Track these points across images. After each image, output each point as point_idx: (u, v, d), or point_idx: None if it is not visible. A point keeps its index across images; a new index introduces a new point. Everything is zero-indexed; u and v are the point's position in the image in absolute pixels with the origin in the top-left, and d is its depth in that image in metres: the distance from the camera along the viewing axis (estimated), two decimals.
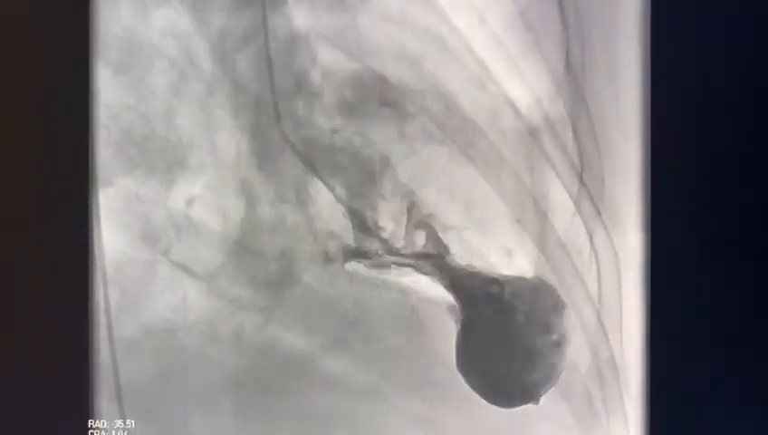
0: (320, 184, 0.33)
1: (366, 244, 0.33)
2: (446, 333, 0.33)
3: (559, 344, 0.33)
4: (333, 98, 0.33)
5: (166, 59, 0.33)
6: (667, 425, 0.33)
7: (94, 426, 0.32)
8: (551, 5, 0.33)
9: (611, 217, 0.34)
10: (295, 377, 0.33)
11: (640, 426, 0.33)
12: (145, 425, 0.32)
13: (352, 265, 0.33)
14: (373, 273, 0.33)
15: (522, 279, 0.33)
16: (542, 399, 0.33)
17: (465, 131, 0.33)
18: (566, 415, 0.34)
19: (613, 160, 0.33)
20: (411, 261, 0.33)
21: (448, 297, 0.33)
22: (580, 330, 0.34)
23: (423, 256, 0.33)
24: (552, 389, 0.33)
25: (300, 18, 0.33)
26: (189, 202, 0.33)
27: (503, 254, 0.33)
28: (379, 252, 0.33)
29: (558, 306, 0.33)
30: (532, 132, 0.33)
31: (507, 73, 0.33)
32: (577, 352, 0.34)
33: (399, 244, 0.33)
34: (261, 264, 0.33)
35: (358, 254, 0.33)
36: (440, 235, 0.33)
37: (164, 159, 0.33)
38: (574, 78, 0.33)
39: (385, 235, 0.33)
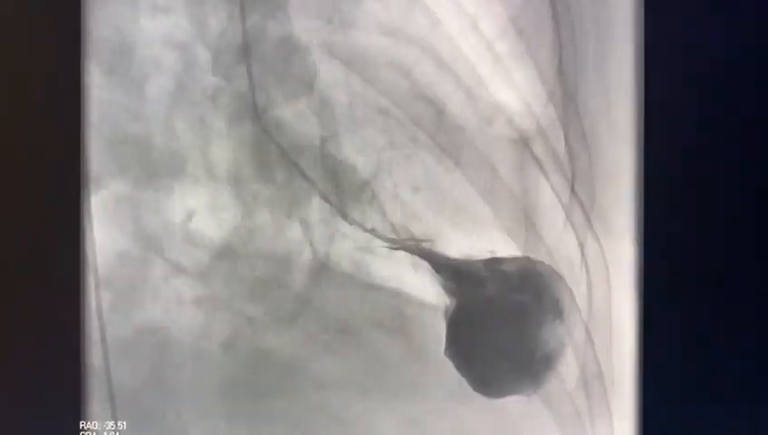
0: (311, 189, 0.33)
1: (357, 233, 0.33)
2: (434, 336, 0.33)
3: (553, 323, 0.33)
4: (323, 105, 0.33)
5: (159, 63, 0.33)
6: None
7: (86, 427, 0.32)
8: (543, 12, 0.33)
9: (603, 225, 0.33)
10: (286, 380, 0.33)
11: None
12: (136, 426, 0.33)
13: (342, 250, 0.33)
14: (365, 260, 0.33)
15: (514, 259, 0.33)
16: (532, 396, 0.33)
17: (455, 138, 0.33)
18: (551, 424, 0.34)
19: (605, 168, 0.33)
20: (399, 245, 0.33)
21: (437, 288, 0.33)
22: (570, 339, 0.33)
23: (411, 240, 0.33)
24: (538, 400, 0.33)
25: (296, 26, 0.33)
26: (184, 205, 0.33)
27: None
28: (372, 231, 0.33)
29: (548, 291, 0.33)
30: (523, 139, 0.33)
31: (499, 80, 0.33)
32: (565, 364, 0.33)
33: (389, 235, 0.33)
34: (253, 266, 0.33)
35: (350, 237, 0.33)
36: (426, 243, 0.33)
37: (159, 163, 0.33)
38: (566, 84, 0.33)
39: (377, 227, 0.33)
